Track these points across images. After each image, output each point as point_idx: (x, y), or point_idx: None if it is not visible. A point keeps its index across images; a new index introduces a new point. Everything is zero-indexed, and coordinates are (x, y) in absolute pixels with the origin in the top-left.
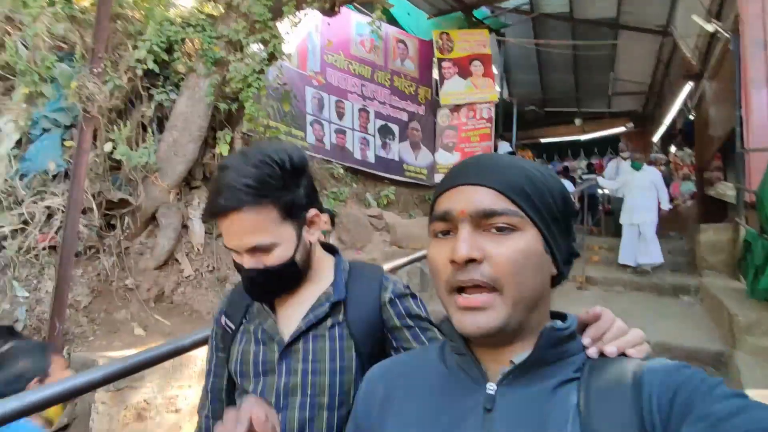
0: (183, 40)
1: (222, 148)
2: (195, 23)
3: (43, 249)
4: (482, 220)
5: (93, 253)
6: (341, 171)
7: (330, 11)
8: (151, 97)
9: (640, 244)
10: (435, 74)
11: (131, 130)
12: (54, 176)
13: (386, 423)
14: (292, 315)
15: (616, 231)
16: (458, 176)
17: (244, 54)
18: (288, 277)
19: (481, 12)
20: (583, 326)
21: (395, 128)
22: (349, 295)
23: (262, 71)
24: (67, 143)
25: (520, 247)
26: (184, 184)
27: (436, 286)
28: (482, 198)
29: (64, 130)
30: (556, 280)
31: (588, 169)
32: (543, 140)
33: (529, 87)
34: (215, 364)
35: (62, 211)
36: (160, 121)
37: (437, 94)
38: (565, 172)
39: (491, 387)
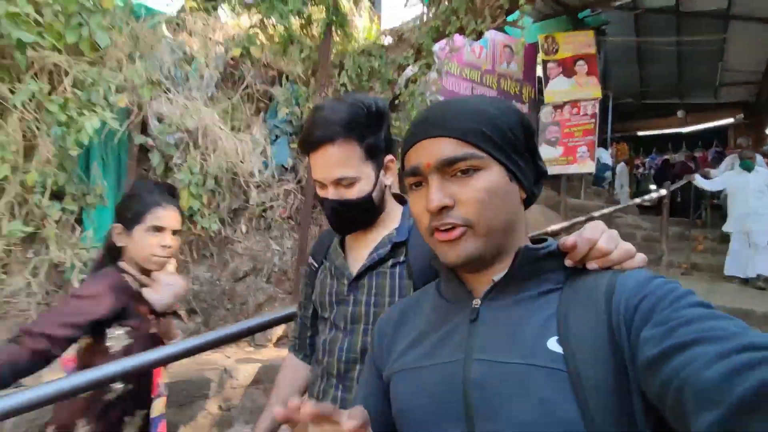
0: (369, 67)
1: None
2: (374, 54)
3: (284, 218)
4: (447, 168)
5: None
6: None
7: (478, 36)
8: None
9: (753, 254)
10: (539, 73)
11: None
12: (287, 168)
13: (397, 340)
14: (360, 254)
15: (723, 222)
16: (420, 131)
17: (414, 76)
18: (364, 212)
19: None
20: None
21: None
22: (411, 239)
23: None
24: (292, 145)
25: (484, 186)
26: None
27: (420, 231)
28: (444, 148)
29: (288, 136)
30: (528, 201)
31: (688, 162)
32: (640, 133)
33: (626, 80)
34: (304, 296)
35: (295, 193)
36: None
37: (540, 93)
38: (665, 166)
39: (476, 302)
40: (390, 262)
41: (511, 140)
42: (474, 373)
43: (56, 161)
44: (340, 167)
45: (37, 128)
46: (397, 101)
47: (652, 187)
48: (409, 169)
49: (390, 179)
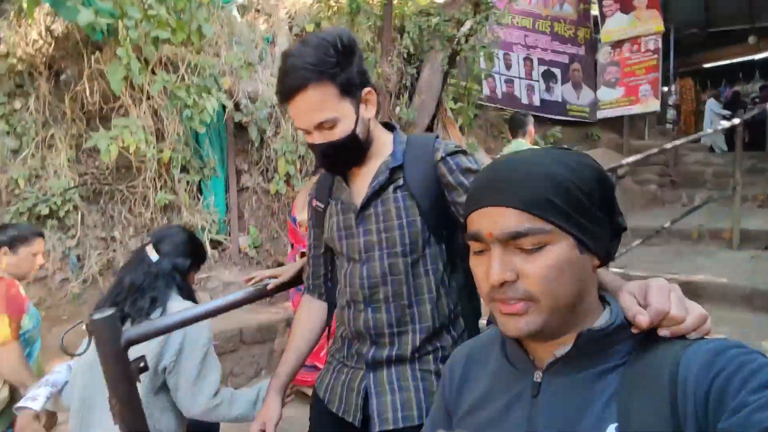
0: (428, 26)
1: (449, 103)
2: (433, 12)
3: None
4: (510, 241)
5: None
6: None
7: None
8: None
9: None
10: (594, 12)
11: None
12: None
13: (462, 398)
14: (361, 186)
15: None
16: (482, 196)
17: (471, 30)
18: (352, 150)
19: None
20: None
21: (557, 71)
22: (406, 161)
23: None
24: None
25: (551, 262)
26: (428, 131)
27: (479, 292)
28: (507, 221)
29: None
30: (602, 264)
31: (761, 92)
32: (706, 65)
33: (689, 9)
34: (314, 237)
35: None
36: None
37: (597, 33)
38: (735, 99)
39: (538, 375)
40: (391, 188)
41: (583, 205)
42: None
43: (183, 140)
44: (318, 111)
45: (164, 113)
46: (457, 57)
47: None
48: (471, 233)
49: (372, 111)
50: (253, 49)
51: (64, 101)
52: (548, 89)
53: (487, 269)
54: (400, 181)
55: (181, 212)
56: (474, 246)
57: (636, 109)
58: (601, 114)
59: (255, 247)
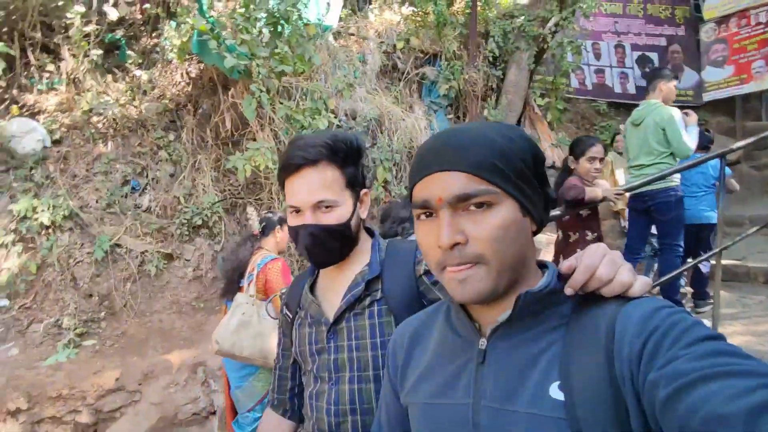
0: (512, 28)
1: (537, 100)
2: (516, 14)
3: None
4: (459, 203)
5: None
6: (605, 107)
7: None
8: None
9: None
10: None
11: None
12: None
13: (407, 375)
14: (333, 297)
15: None
16: (430, 163)
17: (558, 27)
18: (342, 240)
19: None
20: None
21: (653, 55)
22: (385, 272)
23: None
24: (449, 116)
25: (498, 222)
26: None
27: (427, 263)
28: (455, 183)
29: (444, 109)
30: (536, 231)
31: None
32: None
33: None
34: (282, 347)
35: None
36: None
37: (698, 10)
38: None
39: (482, 343)
40: (367, 301)
41: (523, 172)
42: (483, 419)
43: None
44: (322, 189)
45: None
46: (544, 55)
47: None
48: (419, 202)
49: (365, 213)
50: (350, 70)
51: (206, 131)
52: (645, 75)
53: (437, 235)
54: (378, 294)
55: None
56: (420, 211)
57: (748, 87)
58: (708, 96)
59: None
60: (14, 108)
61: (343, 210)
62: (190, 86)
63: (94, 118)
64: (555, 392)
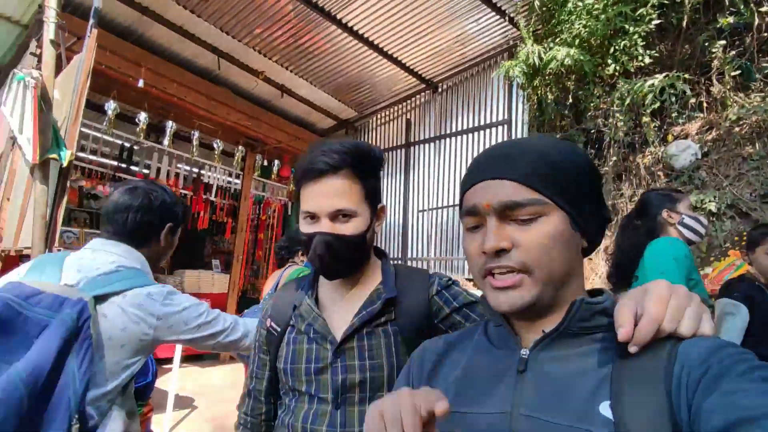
0: None
1: None
2: None
3: None
4: (507, 211)
5: None
6: None
7: None
8: None
9: None
10: None
11: None
12: None
13: (440, 371)
14: (342, 314)
15: None
16: (481, 171)
17: None
18: (356, 252)
19: None
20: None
21: None
22: (399, 294)
23: None
24: None
25: (545, 232)
26: None
27: (471, 273)
28: (505, 191)
29: None
30: (588, 250)
31: None
32: None
33: None
34: (257, 365)
35: None
36: None
37: None
38: None
39: (524, 352)
40: (383, 319)
41: (575, 185)
42: (521, 428)
43: None
44: (342, 198)
45: None
46: None
47: None
48: (467, 208)
49: (379, 228)
50: None
51: None
52: None
53: (482, 241)
54: (393, 315)
55: None
56: (468, 222)
57: None
58: None
59: None
60: (669, 135)
61: (360, 222)
62: None
63: (736, 129)
64: (605, 410)
